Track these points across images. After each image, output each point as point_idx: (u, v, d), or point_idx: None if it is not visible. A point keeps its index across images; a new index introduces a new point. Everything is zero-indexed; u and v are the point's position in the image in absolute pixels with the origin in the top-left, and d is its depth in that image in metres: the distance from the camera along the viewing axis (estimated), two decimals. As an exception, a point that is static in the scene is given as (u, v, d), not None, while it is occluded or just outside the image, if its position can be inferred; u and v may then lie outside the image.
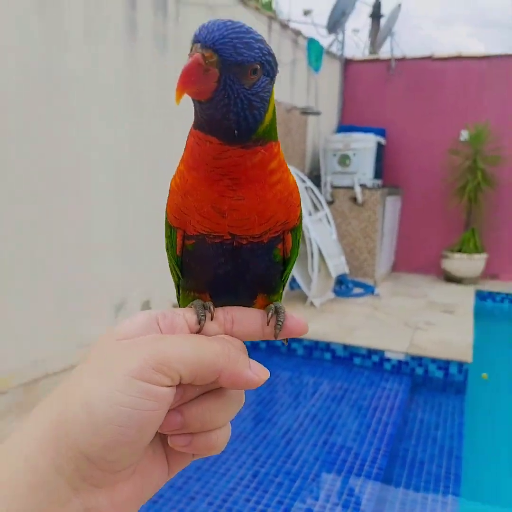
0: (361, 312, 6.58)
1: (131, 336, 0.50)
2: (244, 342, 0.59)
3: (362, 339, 5.47)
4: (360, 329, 5.83)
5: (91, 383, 0.46)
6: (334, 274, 6.69)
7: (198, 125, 0.55)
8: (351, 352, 5.36)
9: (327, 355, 5.45)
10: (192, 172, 0.56)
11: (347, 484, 3.33)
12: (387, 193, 8.28)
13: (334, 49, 8.94)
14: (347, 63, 9.42)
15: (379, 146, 8.45)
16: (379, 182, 8.54)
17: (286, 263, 0.65)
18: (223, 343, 0.52)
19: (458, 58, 8.78)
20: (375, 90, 9.31)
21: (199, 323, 0.55)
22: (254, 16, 6.35)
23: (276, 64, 0.55)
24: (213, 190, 0.55)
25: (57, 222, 3.94)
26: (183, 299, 0.65)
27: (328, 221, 7.13)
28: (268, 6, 7.40)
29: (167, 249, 0.64)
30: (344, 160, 8.10)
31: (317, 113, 7.71)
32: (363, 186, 7.96)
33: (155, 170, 4.76)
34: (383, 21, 10.76)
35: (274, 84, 0.55)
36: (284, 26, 7.13)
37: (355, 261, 8.04)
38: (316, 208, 7.14)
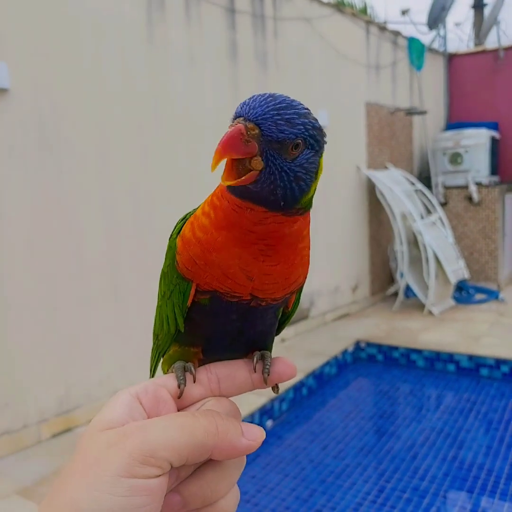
0: (486, 319, 6.12)
1: (114, 425, 0.47)
2: None
3: (489, 348, 5.10)
4: (485, 337, 5.44)
5: (78, 489, 0.43)
6: (453, 280, 6.32)
7: (237, 193, 0.53)
8: (477, 362, 4.99)
9: (451, 367, 5.12)
10: (222, 232, 0.55)
11: (480, 503, 3.08)
12: (506, 190, 7.71)
13: (436, 45, 8.59)
14: (451, 58, 8.99)
15: (493, 140, 7.92)
16: (496, 178, 7.99)
17: (284, 318, 0.65)
18: (209, 417, 0.49)
19: None
20: (483, 82, 8.75)
21: (179, 387, 0.53)
22: (351, 22, 6.30)
23: (322, 136, 0.54)
24: (247, 253, 0.55)
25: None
26: (169, 357, 0.62)
27: (443, 224, 6.78)
28: (364, 11, 7.28)
29: (166, 298, 0.61)
30: (455, 158, 7.69)
31: (422, 113, 7.43)
32: (478, 184, 7.51)
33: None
34: (486, 10, 10.15)
35: (322, 155, 0.55)
36: (382, 28, 6.99)
37: (476, 264, 7.54)
38: (428, 211, 6.82)
